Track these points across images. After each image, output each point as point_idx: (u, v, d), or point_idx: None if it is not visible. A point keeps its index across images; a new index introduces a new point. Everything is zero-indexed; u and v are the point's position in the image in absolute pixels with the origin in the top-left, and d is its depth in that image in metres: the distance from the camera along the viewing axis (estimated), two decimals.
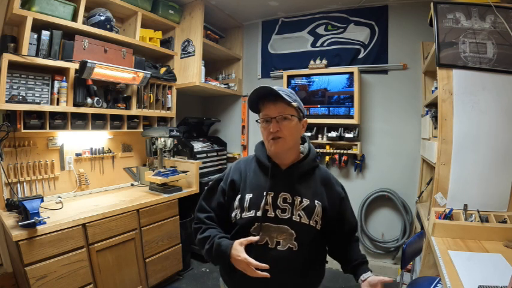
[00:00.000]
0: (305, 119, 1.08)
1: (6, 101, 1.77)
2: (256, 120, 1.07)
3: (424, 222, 1.97)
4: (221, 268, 1.11)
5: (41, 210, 1.68)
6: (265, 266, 0.89)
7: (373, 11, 2.77)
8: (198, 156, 2.93)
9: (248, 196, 1.03)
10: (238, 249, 0.93)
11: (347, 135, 2.76)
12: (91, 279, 1.84)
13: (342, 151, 2.81)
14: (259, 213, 0.99)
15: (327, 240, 1.11)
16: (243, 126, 3.43)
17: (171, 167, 2.63)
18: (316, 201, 1.02)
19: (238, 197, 1.05)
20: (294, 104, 0.99)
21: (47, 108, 1.95)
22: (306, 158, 1.08)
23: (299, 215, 0.99)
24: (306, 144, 1.14)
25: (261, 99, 1.03)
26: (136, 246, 2.13)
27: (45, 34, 1.94)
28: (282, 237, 0.98)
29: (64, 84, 2.03)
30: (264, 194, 1.01)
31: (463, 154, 1.67)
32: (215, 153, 3.25)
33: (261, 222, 0.98)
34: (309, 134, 2.89)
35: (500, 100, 1.63)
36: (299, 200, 1.00)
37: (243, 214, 1.02)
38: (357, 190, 2.85)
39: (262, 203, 1.00)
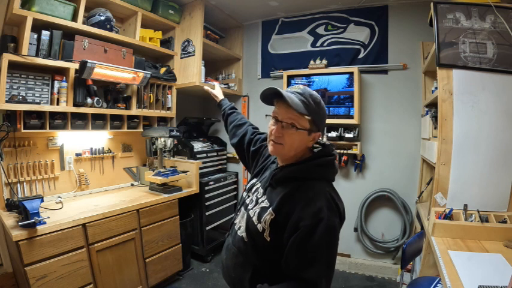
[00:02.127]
0: (318, 133, 0.96)
1: (6, 101, 1.77)
2: (267, 115, 1.04)
3: (424, 222, 1.97)
4: None
5: (41, 210, 1.68)
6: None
7: (373, 11, 2.77)
8: (198, 156, 2.93)
9: (252, 180, 1.14)
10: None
11: (347, 135, 2.76)
12: (91, 279, 1.84)
13: (342, 151, 2.81)
14: (245, 196, 1.11)
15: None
16: None
17: (171, 167, 2.63)
18: (271, 208, 0.92)
19: (251, 177, 1.18)
20: (307, 117, 0.91)
21: (47, 108, 1.95)
22: (297, 164, 0.96)
23: (255, 212, 0.99)
24: (315, 152, 1.00)
25: (276, 96, 0.95)
26: (136, 246, 2.13)
27: (45, 34, 1.93)
28: (242, 224, 1.03)
29: (64, 84, 2.03)
30: (254, 181, 1.12)
31: (463, 154, 1.67)
32: (215, 153, 3.25)
33: (240, 204, 1.12)
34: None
35: (500, 100, 1.63)
36: (263, 198, 0.99)
37: (243, 192, 1.16)
38: (357, 190, 2.85)
39: (248, 187, 1.11)
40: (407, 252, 1.71)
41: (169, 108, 2.87)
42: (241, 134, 1.31)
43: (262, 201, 0.98)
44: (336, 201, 0.92)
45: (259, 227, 0.93)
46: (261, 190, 1.03)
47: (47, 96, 2.01)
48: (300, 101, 0.90)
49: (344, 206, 0.96)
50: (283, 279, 0.89)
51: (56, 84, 2.02)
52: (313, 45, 3.04)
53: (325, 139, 2.85)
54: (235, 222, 1.10)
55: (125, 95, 2.47)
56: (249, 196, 1.08)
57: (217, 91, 1.59)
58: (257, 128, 1.33)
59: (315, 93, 0.95)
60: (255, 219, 0.97)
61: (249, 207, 1.03)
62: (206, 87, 1.66)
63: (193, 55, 2.78)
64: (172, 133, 2.44)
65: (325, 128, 2.86)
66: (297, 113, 0.90)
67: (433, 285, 1.51)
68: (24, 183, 2.00)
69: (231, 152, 3.49)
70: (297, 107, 0.88)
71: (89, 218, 1.83)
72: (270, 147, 0.98)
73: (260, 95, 0.97)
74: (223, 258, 1.11)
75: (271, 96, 0.96)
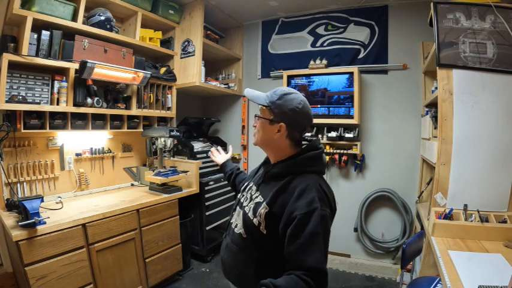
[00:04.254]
0: (281, 123, 1.00)
1: (6, 101, 1.77)
2: (256, 115, 1.15)
3: (424, 222, 1.97)
4: None
5: (41, 210, 1.68)
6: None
7: (373, 11, 2.77)
8: (198, 156, 2.93)
9: (246, 182, 1.20)
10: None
11: (347, 135, 2.76)
12: (91, 279, 1.84)
13: (342, 151, 2.81)
14: (239, 196, 1.18)
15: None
16: (243, 126, 3.43)
17: (171, 167, 2.63)
18: (265, 202, 0.98)
19: None
20: (264, 106, 1.04)
21: (47, 108, 1.95)
22: (284, 161, 1.04)
23: (250, 208, 1.04)
24: (303, 147, 1.07)
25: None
26: (136, 246, 2.13)
27: (45, 34, 1.93)
28: (239, 222, 1.08)
29: (64, 84, 2.03)
30: (247, 182, 1.19)
31: (463, 154, 1.67)
32: None
33: (235, 204, 1.17)
34: (308, 134, 2.89)
35: (500, 100, 1.63)
36: (257, 194, 1.05)
37: (238, 195, 1.21)
38: (356, 190, 2.85)
39: (242, 188, 1.18)
40: (407, 252, 1.71)
41: (169, 108, 2.87)
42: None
43: (256, 197, 1.05)
44: (327, 193, 0.98)
45: (255, 221, 0.99)
46: (254, 187, 1.10)
47: (47, 96, 2.01)
48: (265, 96, 1.06)
49: (334, 196, 1.05)
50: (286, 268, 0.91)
51: (56, 84, 2.02)
52: (313, 45, 3.04)
53: (325, 139, 2.86)
54: (231, 221, 1.14)
55: (125, 95, 2.47)
56: (243, 195, 1.14)
57: (225, 156, 1.62)
58: None
59: (285, 89, 1.06)
60: (250, 214, 1.02)
61: (244, 204, 1.09)
62: (212, 156, 1.65)
63: (193, 55, 2.78)
64: (172, 133, 2.44)
65: (325, 128, 2.87)
66: (261, 106, 1.06)
67: (433, 285, 1.51)
68: (24, 183, 2.00)
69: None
70: (252, 98, 1.07)
71: (89, 218, 1.82)
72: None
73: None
74: (224, 258, 1.14)
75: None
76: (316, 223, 0.87)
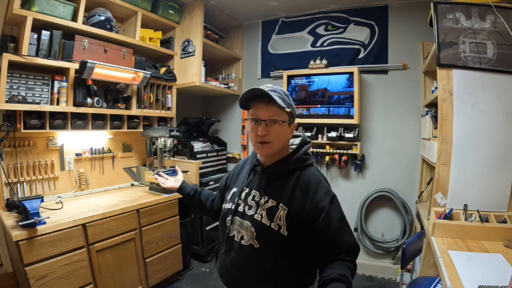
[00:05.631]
0: (295, 122, 1.04)
1: (6, 101, 1.77)
2: (245, 119, 1.08)
3: (424, 222, 1.97)
4: None
5: (41, 210, 1.68)
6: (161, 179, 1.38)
7: (373, 11, 2.77)
8: (198, 156, 2.93)
9: (233, 190, 1.12)
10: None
11: (347, 135, 2.76)
12: (91, 279, 1.84)
13: (342, 151, 2.81)
14: (233, 207, 1.06)
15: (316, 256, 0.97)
16: (243, 126, 3.43)
17: (171, 167, 2.63)
18: (281, 204, 0.95)
19: (230, 190, 1.15)
20: (287, 109, 0.97)
21: (47, 108, 1.95)
22: (286, 158, 1.02)
23: (261, 215, 0.97)
24: (297, 142, 1.07)
25: (254, 97, 1.00)
26: (136, 246, 2.13)
27: (45, 34, 1.93)
28: (245, 233, 1.00)
29: (64, 84, 2.03)
30: (235, 190, 1.10)
31: (463, 154, 1.67)
32: (215, 153, 3.25)
33: (231, 215, 1.05)
34: (308, 134, 2.89)
35: (500, 100, 1.63)
36: (265, 199, 0.99)
37: (225, 205, 1.12)
38: (357, 190, 2.85)
39: (236, 197, 1.07)
40: (407, 252, 1.71)
41: (169, 108, 2.87)
42: (218, 195, 1.30)
43: (266, 202, 0.98)
44: (327, 180, 1.04)
45: (274, 226, 0.95)
46: (256, 193, 1.02)
47: (47, 96, 2.01)
48: (277, 97, 0.95)
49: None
50: (306, 271, 0.98)
51: (56, 84, 2.02)
52: (313, 45, 3.04)
53: (325, 139, 2.86)
54: (231, 235, 1.04)
55: (125, 95, 2.47)
56: (239, 204, 1.05)
57: (178, 178, 1.41)
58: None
59: (281, 88, 1.03)
60: (265, 221, 0.96)
61: (249, 213, 1.00)
62: (162, 184, 1.39)
63: (193, 55, 2.78)
64: (172, 133, 2.44)
65: (325, 128, 2.87)
66: (276, 109, 0.96)
67: (433, 285, 1.51)
68: (24, 183, 2.00)
69: (231, 152, 3.50)
70: (280, 103, 0.94)
71: (89, 218, 1.82)
72: (259, 150, 1.02)
73: (240, 99, 1.01)
74: (233, 274, 1.04)
75: (251, 98, 1.00)
76: (339, 208, 0.96)
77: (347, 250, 0.92)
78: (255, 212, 0.99)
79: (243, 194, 1.06)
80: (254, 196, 1.02)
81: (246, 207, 1.02)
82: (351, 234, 0.96)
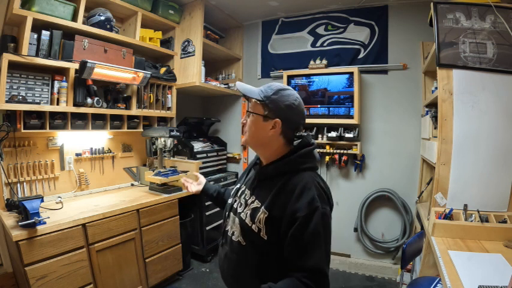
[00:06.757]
0: (276, 119, 0.95)
1: (6, 101, 1.77)
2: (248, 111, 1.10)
3: (424, 222, 1.97)
4: None
5: (41, 210, 1.68)
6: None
7: (373, 11, 2.77)
8: (198, 156, 2.93)
9: (236, 186, 1.15)
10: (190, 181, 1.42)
11: (347, 135, 2.76)
12: (91, 279, 1.84)
13: (342, 151, 2.81)
14: (231, 202, 1.11)
15: None
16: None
17: (171, 167, 2.63)
18: (263, 207, 0.93)
19: (235, 186, 1.18)
20: (258, 101, 0.97)
21: (47, 108, 1.95)
22: (278, 160, 0.99)
23: (246, 214, 0.98)
24: (295, 144, 1.01)
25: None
26: (136, 246, 2.13)
27: (45, 34, 1.93)
28: (235, 229, 1.02)
29: (64, 84, 2.03)
30: (238, 186, 1.13)
31: (463, 154, 1.67)
32: (215, 153, 3.25)
33: (227, 210, 1.11)
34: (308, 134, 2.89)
35: (500, 100, 1.63)
36: (253, 199, 0.99)
37: (229, 200, 1.15)
38: (357, 190, 2.85)
39: (235, 193, 1.11)
40: (407, 252, 1.71)
41: (169, 108, 2.87)
42: None
43: (252, 202, 0.98)
44: (324, 189, 0.95)
45: (254, 227, 0.93)
46: (247, 192, 1.03)
47: (47, 96, 2.01)
48: (258, 90, 0.99)
49: (330, 192, 0.99)
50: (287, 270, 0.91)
51: (56, 84, 2.02)
52: (313, 45, 3.04)
53: (325, 139, 2.86)
54: (226, 229, 1.07)
55: (125, 95, 2.47)
56: (236, 201, 1.08)
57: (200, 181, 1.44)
58: None
59: (281, 85, 1.01)
60: (248, 220, 0.96)
61: (239, 210, 1.02)
62: (184, 181, 1.46)
63: (193, 55, 2.78)
64: (172, 133, 2.44)
65: (325, 128, 2.87)
66: (254, 101, 0.98)
67: (433, 285, 1.51)
68: (24, 183, 2.00)
69: (231, 152, 3.50)
70: (244, 92, 0.98)
71: (89, 218, 1.82)
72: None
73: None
74: (224, 268, 1.06)
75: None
76: (318, 223, 0.85)
77: (309, 271, 0.82)
78: (242, 211, 1.01)
79: (240, 191, 1.09)
80: (246, 194, 1.04)
81: (239, 205, 1.05)
82: (320, 256, 0.85)
